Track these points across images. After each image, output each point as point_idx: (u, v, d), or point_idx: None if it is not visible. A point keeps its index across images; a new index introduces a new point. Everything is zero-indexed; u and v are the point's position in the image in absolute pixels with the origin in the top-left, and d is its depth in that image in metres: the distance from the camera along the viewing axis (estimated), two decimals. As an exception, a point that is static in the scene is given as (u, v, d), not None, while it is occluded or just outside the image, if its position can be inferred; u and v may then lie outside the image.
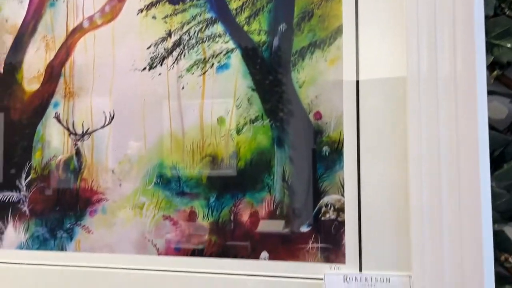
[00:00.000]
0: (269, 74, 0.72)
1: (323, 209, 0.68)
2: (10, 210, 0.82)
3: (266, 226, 0.70)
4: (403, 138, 0.64)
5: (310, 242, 0.68)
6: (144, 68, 0.78)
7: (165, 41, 0.77)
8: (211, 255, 0.72)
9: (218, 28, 0.75)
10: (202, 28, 0.76)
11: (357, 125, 0.67)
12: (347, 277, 0.64)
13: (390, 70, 0.66)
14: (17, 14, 0.85)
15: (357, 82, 0.67)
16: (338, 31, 0.69)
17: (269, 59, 0.72)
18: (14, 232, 0.81)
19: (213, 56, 0.75)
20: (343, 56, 0.69)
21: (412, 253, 0.61)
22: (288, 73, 0.71)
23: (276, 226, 0.70)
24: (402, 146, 0.64)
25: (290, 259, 0.68)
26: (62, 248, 0.78)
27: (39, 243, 0.80)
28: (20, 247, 0.81)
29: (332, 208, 0.67)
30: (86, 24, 0.81)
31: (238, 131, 0.72)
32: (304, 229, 0.68)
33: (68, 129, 0.80)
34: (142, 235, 0.75)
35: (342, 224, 0.66)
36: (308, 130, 0.69)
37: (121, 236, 0.76)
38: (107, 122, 0.78)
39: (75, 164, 0.79)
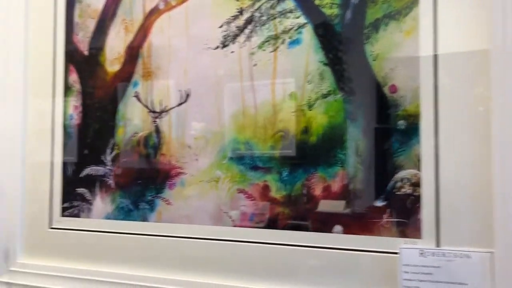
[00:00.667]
0: (342, 48, 0.71)
1: (398, 183, 0.67)
2: (97, 184, 0.88)
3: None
4: (485, 113, 0.61)
5: (384, 217, 0.67)
6: (217, 47, 0.80)
7: (237, 19, 0.79)
8: (284, 227, 0.73)
9: (289, 3, 0.75)
10: (273, 4, 0.76)
11: (435, 99, 0.65)
12: (424, 252, 0.63)
13: (471, 42, 0.63)
14: (98, -1, 0.91)
15: (435, 55, 0.65)
16: (415, 1, 0.67)
17: (341, 32, 0.72)
18: (102, 203, 0.88)
19: (284, 32, 0.75)
20: (419, 27, 0.66)
21: (495, 230, 0.59)
22: (361, 46, 0.70)
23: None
24: (484, 121, 0.61)
25: (364, 233, 0.68)
26: (144, 219, 0.84)
27: (124, 213, 0.86)
28: (107, 217, 0.87)
29: (407, 183, 0.66)
30: (161, 6, 0.85)
31: (310, 106, 0.73)
32: (378, 203, 0.68)
33: (147, 107, 0.85)
34: (218, 207, 0.78)
35: (418, 199, 0.65)
36: (383, 104, 0.68)
37: (198, 208, 0.80)
38: (183, 100, 0.82)
39: (154, 140, 0.84)
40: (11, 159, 0.94)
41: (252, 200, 0.76)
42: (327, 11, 0.73)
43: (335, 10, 0.72)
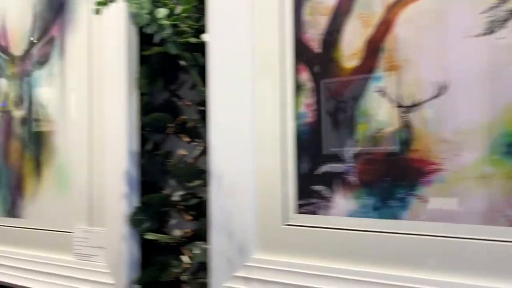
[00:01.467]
0: None
1: None
2: (337, 181, 0.88)
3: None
4: None
5: None
6: (481, 34, 0.74)
7: (506, 2, 0.73)
8: None
9: None
10: (554, -18, 0.69)
11: None
12: None
13: None
14: (330, -5, 0.90)
15: None
16: None
17: None
18: (343, 200, 0.87)
19: None
20: None
21: None
22: None
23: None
24: None
25: None
26: (394, 217, 0.81)
27: (371, 211, 0.84)
28: (350, 214, 0.86)
29: None
30: (407, -4, 0.82)
31: None
32: None
33: (394, 102, 0.82)
34: (489, 205, 0.73)
35: None
36: None
37: (462, 206, 0.75)
38: (438, 93, 0.78)
39: (404, 136, 0.81)
40: (242, 158, 0.97)
41: (536, 198, 0.70)
42: None
43: None
